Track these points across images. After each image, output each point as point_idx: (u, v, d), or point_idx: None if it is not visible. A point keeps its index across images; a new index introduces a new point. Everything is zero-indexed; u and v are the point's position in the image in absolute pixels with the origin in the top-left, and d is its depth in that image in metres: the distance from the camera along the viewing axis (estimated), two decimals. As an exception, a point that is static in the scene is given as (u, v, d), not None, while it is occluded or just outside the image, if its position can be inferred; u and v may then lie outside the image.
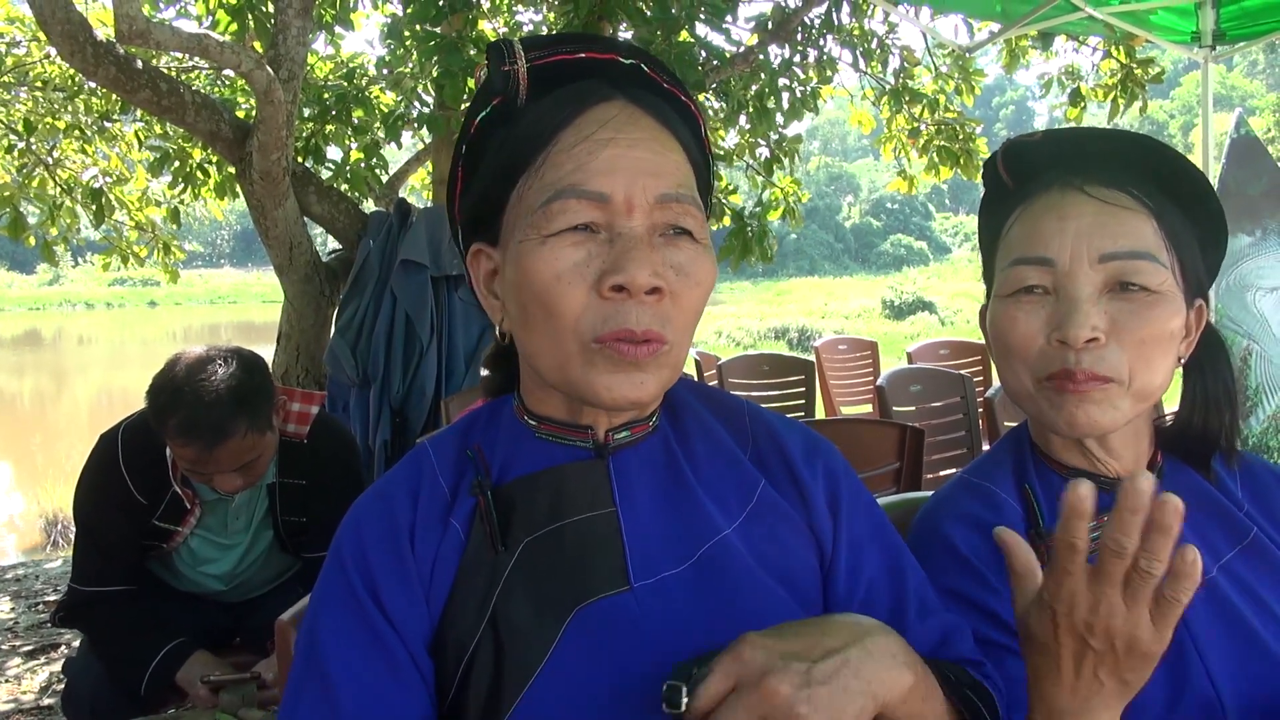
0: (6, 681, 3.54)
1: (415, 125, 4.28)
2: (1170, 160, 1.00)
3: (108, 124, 5.65)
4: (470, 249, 0.90)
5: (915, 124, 5.49)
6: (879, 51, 5.43)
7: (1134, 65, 5.25)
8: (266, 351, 3.97)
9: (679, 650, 0.82)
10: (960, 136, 5.52)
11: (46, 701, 3.34)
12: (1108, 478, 1.03)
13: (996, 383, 3.16)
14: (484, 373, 1.03)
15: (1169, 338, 0.97)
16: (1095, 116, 5.68)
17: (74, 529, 2.12)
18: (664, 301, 0.81)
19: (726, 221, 4.68)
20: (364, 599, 0.84)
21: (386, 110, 4.61)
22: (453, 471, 0.90)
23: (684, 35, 3.67)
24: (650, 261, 0.79)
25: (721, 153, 5.25)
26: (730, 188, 4.86)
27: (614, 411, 0.87)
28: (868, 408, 5.36)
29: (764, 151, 5.33)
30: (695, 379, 1.06)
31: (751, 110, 4.69)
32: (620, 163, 0.81)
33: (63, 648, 3.81)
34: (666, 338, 0.82)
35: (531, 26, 5.31)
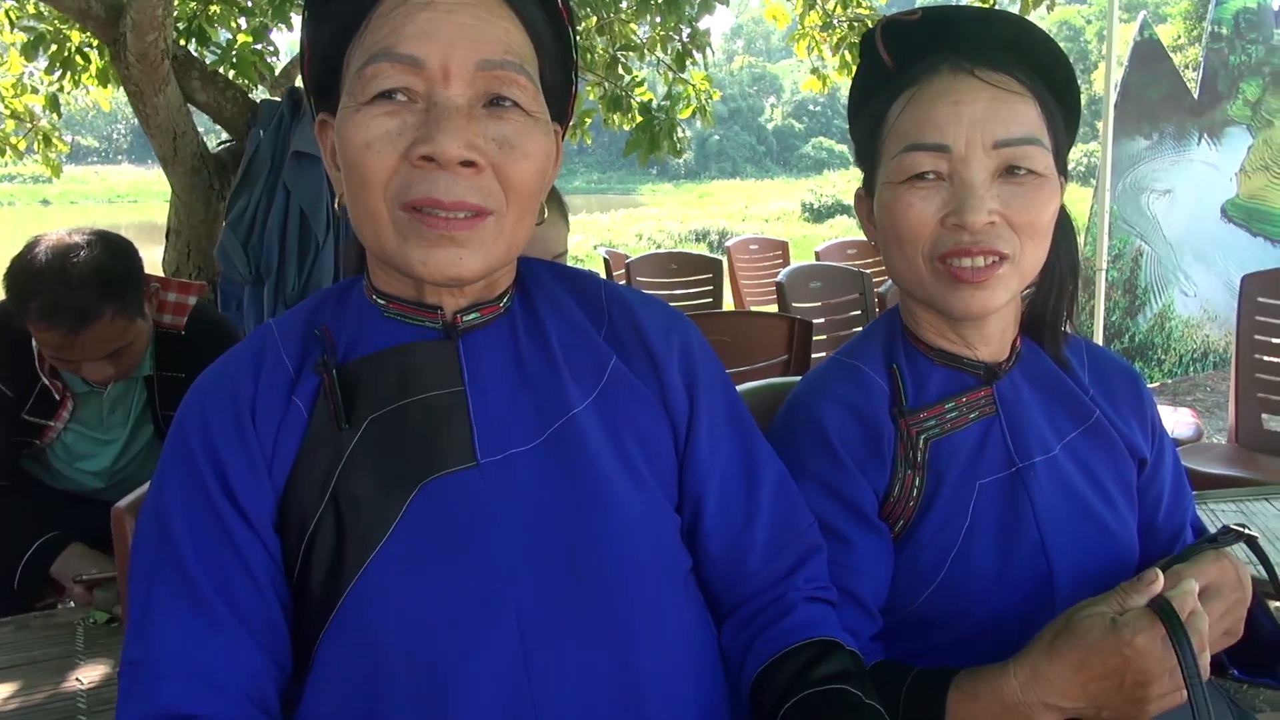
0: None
1: (302, 7, 4.04)
2: (1045, 44, 1.01)
3: (-28, 1, 5.22)
4: (318, 120, 0.88)
5: (828, 19, 5.41)
6: (793, -58, 5.31)
7: (1043, -37, 5.22)
8: (159, 250, 3.81)
9: (524, 525, 0.83)
10: (873, 34, 5.45)
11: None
12: (972, 361, 1.06)
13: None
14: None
15: (1051, 218, 1.00)
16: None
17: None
18: (483, 175, 0.80)
19: (637, 118, 4.59)
20: (207, 475, 0.82)
21: (276, -9, 4.34)
22: (298, 350, 0.88)
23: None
24: (464, 132, 0.78)
25: (632, 46, 5.12)
26: (639, 80, 4.75)
27: (435, 286, 0.85)
28: (776, 307, 5.44)
29: (676, 45, 5.21)
30: (600, 276, 1.05)
31: (661, 1, 4.57)
32: (437, 27, 0.78)
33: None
34: (488, 208, 0.80)
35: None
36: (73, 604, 1.90)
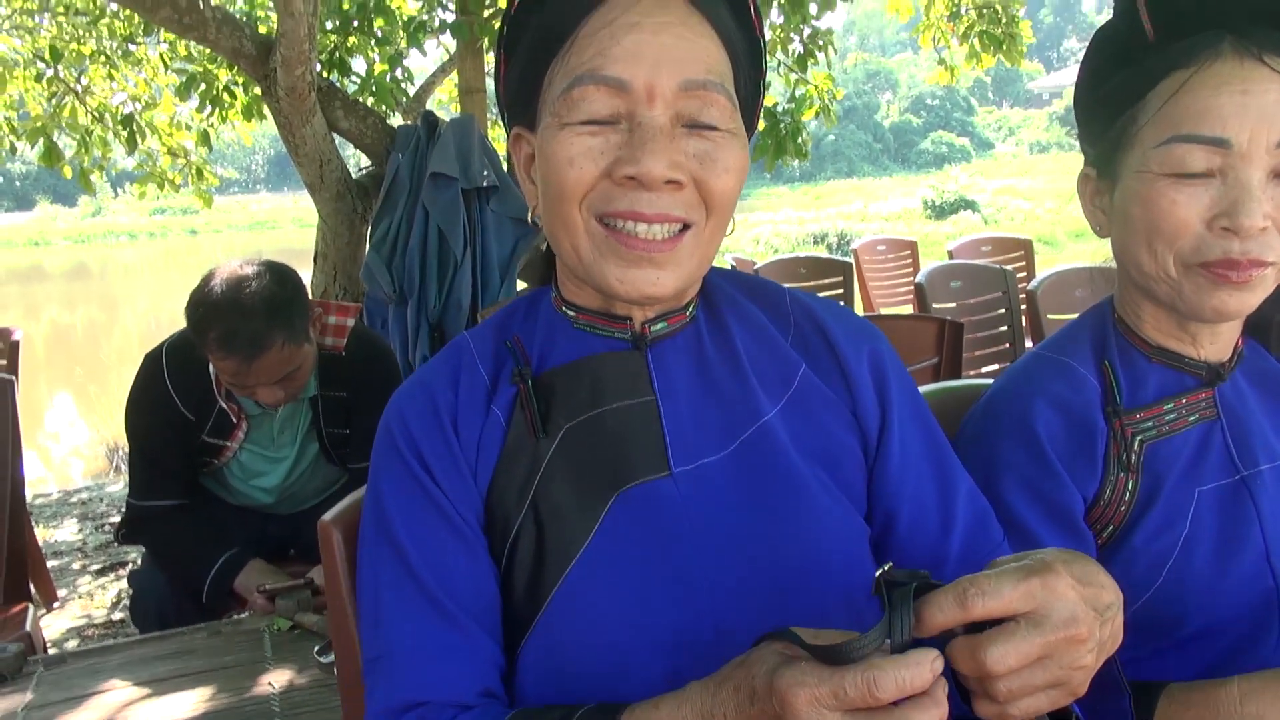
0: (79, 598, 3.71)
1: (438, 32, 4.17)
2: None
3: (132, 47, 5.61)
4: (512, 133, 0.90)
5: (955, 8, 5.26)
6: (917, -67, 5.19)
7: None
8: (305, 274, 4.00)
9: (719, 535, 0.83)
10: (1003, 20, 5.28)
11: (117, 616, 3.49)
12: (1194, 360, 1.00)
13: (1039, 275, 3.08)
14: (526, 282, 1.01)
15: None
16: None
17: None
18: (684, 190, 0.80)
19: (761, 125, 4.56)
20: (420, 475, 0.85)
21: (409, 19, 4.51)
22: (492, 361, 0.91)
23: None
24: (668, 152, 0.78)
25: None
26: (764, 84, 4.72)
27: (635, 305, 0.86)
28: (908, 309, 5.29)
29: (797, 47, 5.16)
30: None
31: (784, 1, 4.53)
32: (644, 48, 0.78)
33: (129, 565, 3.96)
34: (690, 220, 0.80)
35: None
36: (249, 614, 2.00)
